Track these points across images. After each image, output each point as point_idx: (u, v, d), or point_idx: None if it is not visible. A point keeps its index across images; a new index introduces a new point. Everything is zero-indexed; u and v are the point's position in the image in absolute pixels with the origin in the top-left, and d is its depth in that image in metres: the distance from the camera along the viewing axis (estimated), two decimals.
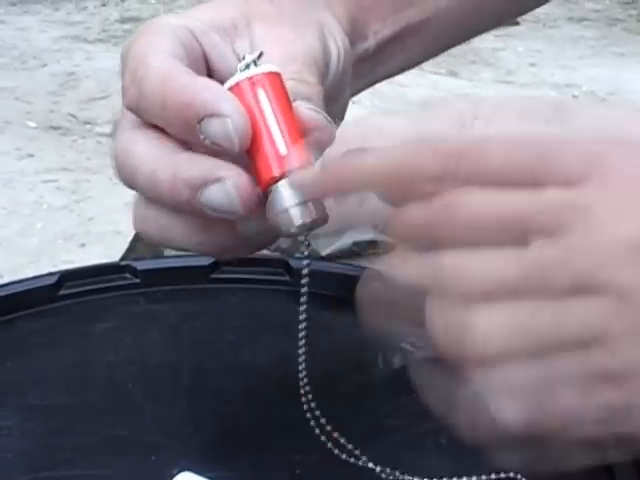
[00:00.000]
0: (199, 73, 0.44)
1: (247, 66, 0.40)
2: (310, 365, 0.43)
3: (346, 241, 1.21)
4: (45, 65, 3.37)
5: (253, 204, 0.39)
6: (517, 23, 4.11)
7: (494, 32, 4.15)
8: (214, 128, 0.39)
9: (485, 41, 4.12)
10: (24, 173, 2.31)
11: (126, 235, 1.84)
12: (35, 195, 2.18)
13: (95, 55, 3.53)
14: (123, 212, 2.19)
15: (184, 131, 0.40)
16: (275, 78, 0.41)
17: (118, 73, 0.45)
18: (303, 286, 0.41)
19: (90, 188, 2.22)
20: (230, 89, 0.40)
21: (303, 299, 0.41)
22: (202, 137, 0.39)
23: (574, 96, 3.22)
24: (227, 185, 0.39)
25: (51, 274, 0.58)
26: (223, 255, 0.45)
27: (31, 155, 2.45)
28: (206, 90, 0.39)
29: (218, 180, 0.39)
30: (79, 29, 3.96)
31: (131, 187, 0.43)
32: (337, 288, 0.55)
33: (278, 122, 0.40)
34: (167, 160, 0.40)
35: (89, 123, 2.72)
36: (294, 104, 0.41)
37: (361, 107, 3.01)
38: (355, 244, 1.24)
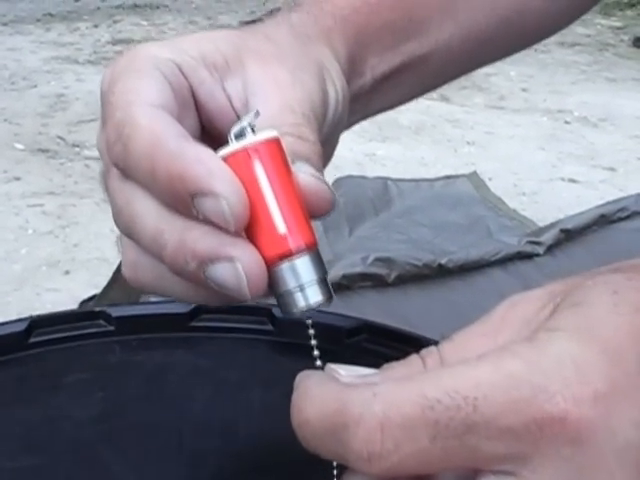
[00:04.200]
0: (187, 112, 0.41)
1: (242, 131, 0.36)
2: None
3: (335, 274, 1.18)
4: (35, 86, 3.36)
5: (262, 289, 0.36)
6: None
7: None
8: (208, 206, 0.34)
9: None
10: (10, 197, 2.29)
11: (112, 263, 1.82)
12: (20, 220, 2.16)
13: (85, 77, 3.51)
14: (109, 238, 2.17)
15: (175, 203, 0.36)
16: (273, 146, 0.36)
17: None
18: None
19: (77, 213, 2.19)
20: (224, 158, 0.36)
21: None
22: (195, 211, 0.35)
23: (566, 122, 3.22)
24: (237, 267, 0.35)
25: (20, 320, 0.55)
26: (222, 304, 0.41)
27: (18, 178, 2.43)
28: (199, 164, 0.35)
29: (228, 259, 0.35)
30: (70, 50, 3.95)
31: (130, 238, 0.39)
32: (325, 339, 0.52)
33: (277, 198, 0.36)
34: (174, 223, 0.36)
35: (77, 146, 2.70)
36: (293, 168, 0.37)
37: (351, 132, 2.98)
38: (344, 277, 1.21)
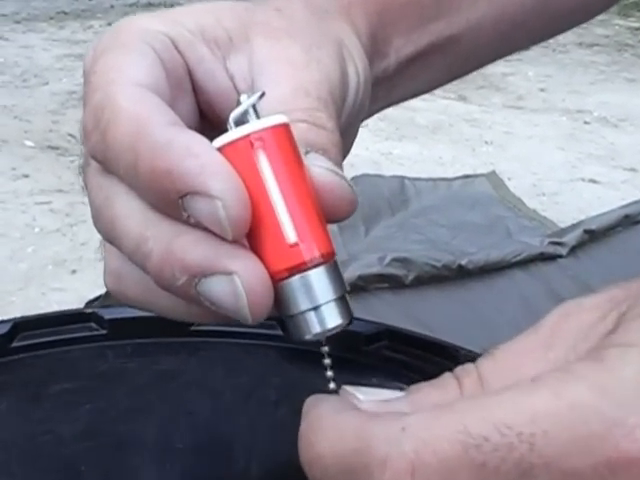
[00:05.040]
0: (181, 94, 0.36)
1: (244, 116, 0.31)
2: None
3: (351, 274, 1.13)
4: (46, 83, 3.33)
5: (266, 309, 0.30)
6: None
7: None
8: (200, 209, 0.29)
9: (495, 66, 4.06)
10: (17, 194, 2.26)
11: None
12: (28, 217, 2.12)
13: None
14: None
15: (161, 203, 0.30)
16: (281, 133, 0.30)
17: None
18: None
19: (85, 211, 2.13)
20: (221, 149, 0.30)
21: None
22: (185, 214, 0.29)
23: (585, 122, 3.18)
24: (236, 282, 0.29)
25: (3, 322, 0.50)
26: (219, 323, 0.35)
27: (26, 175, 2.39)
28: (189, 157, 0.29)
29: (225, 273, 0.29)
30: (83, 48, 3.92)
31: (111, 243, 0.33)
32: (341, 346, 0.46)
33: (285, 197, 0.30)
34: (161, 229, 0.30)
35: None
36: (306, 161, 0.31)
37: (367, 130, 2.95)
38: (360, 277, 1.16)
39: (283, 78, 0.36)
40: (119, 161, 0.31)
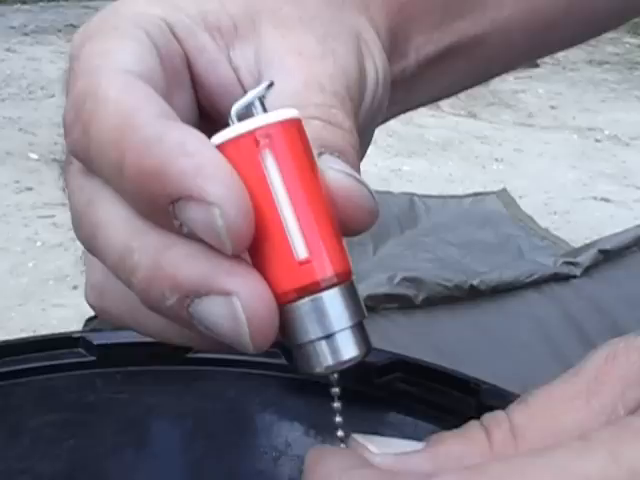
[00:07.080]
0: (178, 88, 0.31)
1: (248, 109, 0.27)
2: None
3: (359, 294, 1.10)
4: (52, 96, 3.33)
5: (270, 337, 0.26)
6: (537, 65, 4.06)
7: (514, 73, 4.12)
8: (194, 217, 0.25)
9: (505, 83, 4.09)
10: (20, 207, 2.24)
11: None
12: (30, 231, 2.10)
13: None
14: None
15: (150, 210, 0.26)
16: (292, 130, 0.26)
17: None
18: None
19: None
20: (221, 147, 0.26)
21: None
22: (177, 223, 0.25)
23: (597, 140, 3.16)
24: (235, 305, 0.25)
25: None
26: (215, 350, 0.30)
27: (30, 188, 2.38)
28: (183, 155, 0.25)
29: (222, 293, 0.25)
30: None
31: (92, 254, 0.29)
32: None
33: (295, 205, 0.25)
34: (149, 240, 0.26)
35: None
36: (320, 163, 0.27)
37: (376, 147, 2.93)
38: (369, 297, 1.12)
39: (294, 71, 0.32)
40: (102, 160, 0.27)
